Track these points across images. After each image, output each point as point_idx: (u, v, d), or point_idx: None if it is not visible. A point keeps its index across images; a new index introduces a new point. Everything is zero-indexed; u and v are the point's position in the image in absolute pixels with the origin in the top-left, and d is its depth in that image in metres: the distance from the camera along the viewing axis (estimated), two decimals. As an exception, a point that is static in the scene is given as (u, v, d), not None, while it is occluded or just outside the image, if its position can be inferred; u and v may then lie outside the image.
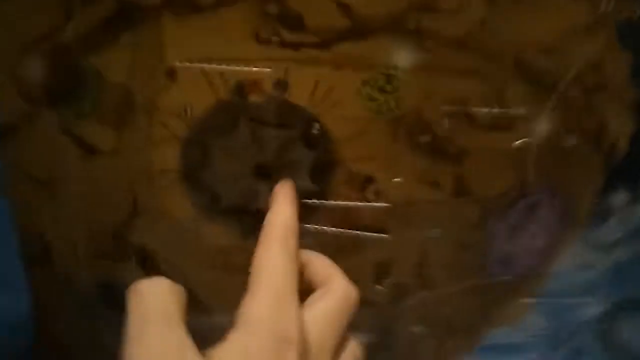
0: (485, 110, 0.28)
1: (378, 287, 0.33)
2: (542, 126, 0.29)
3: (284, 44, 0.27)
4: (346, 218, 0.31)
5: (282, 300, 0.21)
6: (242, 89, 0.27)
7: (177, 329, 0.20)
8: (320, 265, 0.25)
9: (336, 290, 0.23)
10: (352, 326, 0.35)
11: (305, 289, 0.24)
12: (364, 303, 0.33)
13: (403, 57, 0.27)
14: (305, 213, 0.30)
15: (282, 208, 0.25)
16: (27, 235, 0.31)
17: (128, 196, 0.30)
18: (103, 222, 0.30)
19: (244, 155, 0.29)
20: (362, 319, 0.34)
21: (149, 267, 0.32)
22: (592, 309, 0.36)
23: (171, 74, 0.27)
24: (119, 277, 0.32)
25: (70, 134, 0.28)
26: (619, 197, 0.33)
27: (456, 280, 0.33)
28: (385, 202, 0.30)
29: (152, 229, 0.30)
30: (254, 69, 0.27)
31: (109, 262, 0.32)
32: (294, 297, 0.22)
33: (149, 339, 0.19)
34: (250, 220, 0.30)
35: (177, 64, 0.27)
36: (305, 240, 0.29)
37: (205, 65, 0.27)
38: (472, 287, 0.34)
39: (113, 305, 0.33)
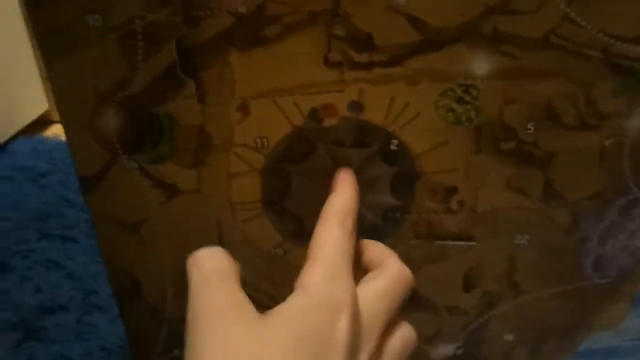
0: (572, 110, 0.27)
1: (466, 294, 0.32)
2: (635, 121, 0.27)
3: (354, 65, 0.26)
4: (431, 229, 0.30)
5: (337, 270, 0.23)
6: (316, 114, 0.27)
7: (235, 287, 0.22)
8: (376, 249, 0.26)
9: (390, 271, 0.24)
10: (444, 336, 0.34)
11: (361, 273, 0.25)
12: (453, 311, 0.33)
13: (480, 65, 0.26)
14: (389, 226, 0.30)
15: (343, 192, 0.26)
16: (117, 273, 0.32)
17: (212, 231, 0.30)
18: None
19: (324, 179, 0.28)
20: (453, 328, 0.34)
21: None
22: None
23: (244, 108, 0.27)
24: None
25: (151, 177, 0.28)
26: None
27: (547, 286, 0.32)
28: (470, 211, 0.30)
29: (239, 259, 0.31)
30: (327, 93, 0.26)
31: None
32: (348, 271, 0.23)
33: (209, 296, 0.21)
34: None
35: (249, 98, 0.27)
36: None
37: (277, 97, 0.27)
38: (565, 292, 0.32)
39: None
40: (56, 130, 0.98)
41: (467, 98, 0.27)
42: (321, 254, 0.23)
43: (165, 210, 0.29)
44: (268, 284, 0.31)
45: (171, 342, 0.34)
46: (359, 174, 0.28)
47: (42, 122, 1.01)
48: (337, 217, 0.25)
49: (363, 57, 0.26)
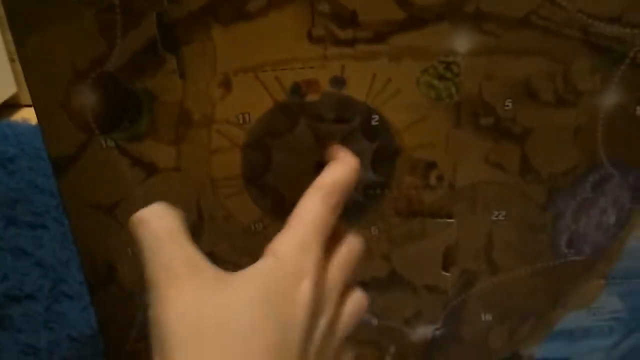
0: (550, 87, 0.27)
1: (445, 274, 0.33)
2: (610, 99, 0.28)
3: (338, 42, 0.26)
4: (410, 205, 0.31)
5: (308, 242, 0.24)
6: (298, 89, 0.27)
7: (189, 245, 0.23)
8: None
9: (349, 244, 0.26)
10: (424, 317, 0.35)
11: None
12: (433, 291, 0.33)
13: (462, 42, 0.26)
14: (370, 203, 0.30)
15: (337, 168, 0.26)
16: (91, 258, 0.31)
17: (193, 208, 0.30)
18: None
19: (305, 154, 0.28)
20: (432, 309, 0.34)
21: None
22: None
23: (226, 84, 0.27)
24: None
25: (129, 156, 0.28)
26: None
27: (525, 264, 0.33)
28: (448, 187, 0.30)
29: (220, 235, 0.30)
30: (309, 69, 0.26)
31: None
32: (318, 243, 0.24)
33: (167, 259, 0.22)
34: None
35: (231, 73, 0.26)
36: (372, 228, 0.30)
37: (260, 72, 0.26)
38: (541, 270, 0.33)
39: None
40: (25, 114, 0.95)
41: (448, 75, 0.27)
42: (297, 224, 0.24)
43: (143, 190, 0.29)
44: (248, 259, 0.31)
45: (145, 329, 0.34)
46: None
47: (9, 106, 0.98)
48: (322, 191, 0.25)
49: (347, 34, 0.26)
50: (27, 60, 0.25)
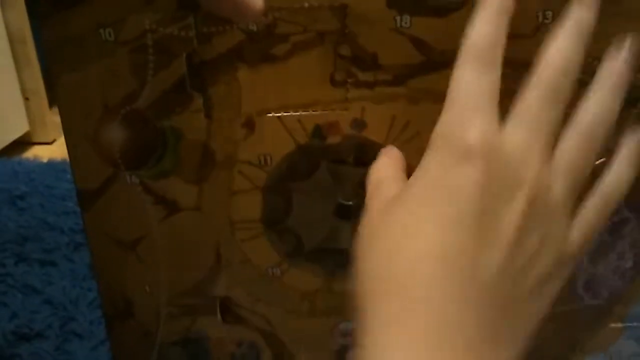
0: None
1: None
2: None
3: (358, 84, 0.27)
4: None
5: (466, 114, 0.21)
6: (320, 131, 0.27)
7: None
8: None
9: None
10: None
11: None
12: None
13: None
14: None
15: (483, 21, 0.22)
16: (110, 292, 0.31)
17: (211, 250, 0.30)
18: (186, 277, 0.31)
19: (325, 197, 0.29)
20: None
21: (231, 317, 0.32)
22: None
23: (249, 124, 0.27)
24: (199, 331, 0.32)
25: (152, 193, 0.28)
26: None
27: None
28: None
29: (236, 279, 0.30)
30: (331, 111, 0.27)
31: (190, 317, 0.32)
32: (483, 110, 0.21)
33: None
34: (334, 260, 0.30)
35: (255, 114, 0.27)
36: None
37: (283, 114, 0.27)
38: (559, 314, 0.33)
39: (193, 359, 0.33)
40: (36, 152, 0.97)
41: None
42: (450, 99, 0.22)
43: (164, 227, 0.29)
44: (264, 305, 0.31)
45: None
46: (359, 192, 0.28)
47: (21, 143, 0.99)
48: (472, 52, 0.22)
49: (367, 76, 0.27)
50: (62, 96, 0.26)
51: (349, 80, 0.27)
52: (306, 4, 0.25)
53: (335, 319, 0.31)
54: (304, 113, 0.27)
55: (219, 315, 0.31)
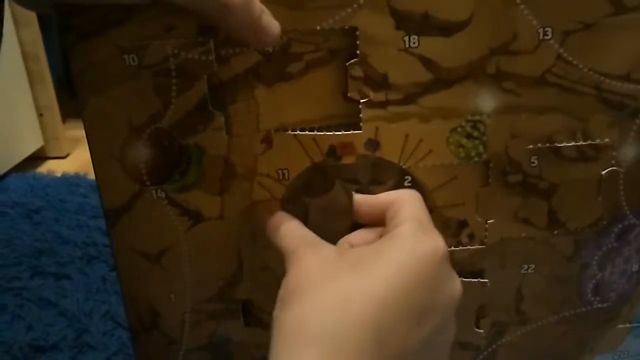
0: (571, 143, 0.29)
1: (478, 330, 0.33)
2: (629, 152, 0.29)
3: (371, 104, 0.28)
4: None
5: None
6: (334, 151, 0.28)
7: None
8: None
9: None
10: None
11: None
12: (465, 347, 0.34)
13: (486, 101, 0.28)
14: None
15: None
16: (136, 304, 0.32)
17: (233, 257, 0.31)
18: (210, 283, 0.32)
19: (340, 216, 0.29)
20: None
21: (253, 321, 0.33)
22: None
23: (267, 140, 0.28)
24: (223, 335, 0.33)
25: (177, 206, 0.29)
26: None
27: (553, 312, 0.33)
28: (479, 244, 0.31)
29: (257, 284, 0.31)
30: (345, 132, 0.28)
31: (214, 322, 0.33)
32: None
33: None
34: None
35: (272, 130, 0.28)
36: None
37: (299, 132, 0.28)
38: (569, 317, 0.34)
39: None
40: (50, 167, 0.98)
41: (476, 133, 0.28)
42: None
43: (188, 237, 0.30)
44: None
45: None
46: None
47: (36, 158, 1.01)
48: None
49: (380, 96, 0.28)
50: (89, 118, 0.27)
51: (362, 100, 0.28)
52: (318, 27, 0.26)
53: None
54: (318, 133, 0.28)
55: (241, 319, 0.32)
